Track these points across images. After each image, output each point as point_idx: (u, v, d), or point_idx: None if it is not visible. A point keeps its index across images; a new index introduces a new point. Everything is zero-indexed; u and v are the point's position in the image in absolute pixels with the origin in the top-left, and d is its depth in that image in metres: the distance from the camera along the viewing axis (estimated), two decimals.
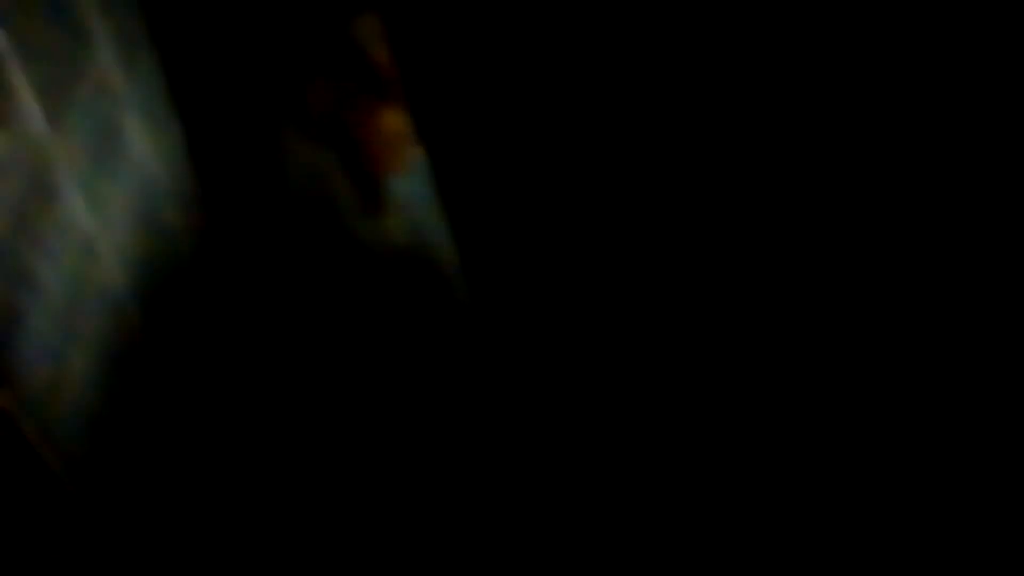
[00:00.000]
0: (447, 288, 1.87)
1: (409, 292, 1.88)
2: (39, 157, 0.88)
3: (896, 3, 1.72)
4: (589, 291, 1.98)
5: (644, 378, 2.00)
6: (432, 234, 1.88)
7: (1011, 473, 1.64)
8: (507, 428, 1.85)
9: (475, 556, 1.66)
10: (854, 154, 1.89)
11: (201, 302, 1.53)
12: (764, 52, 1.94)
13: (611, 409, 1.94)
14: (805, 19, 1.87)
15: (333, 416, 1.79)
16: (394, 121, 1.94)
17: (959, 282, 1.77)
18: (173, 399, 1.24)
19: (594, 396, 1.95)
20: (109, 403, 0.99)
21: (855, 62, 1.82)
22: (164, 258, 1.34)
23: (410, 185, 1.98)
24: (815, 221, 2.05)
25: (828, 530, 1.74)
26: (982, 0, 1.59)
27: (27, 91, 0.86)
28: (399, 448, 1.80)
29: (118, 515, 0.93)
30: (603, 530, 1.74)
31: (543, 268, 1.97)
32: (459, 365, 1.84)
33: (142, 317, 1.15)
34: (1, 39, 0.82)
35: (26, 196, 0.82)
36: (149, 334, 1.17)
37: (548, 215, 1.98)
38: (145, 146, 1.32)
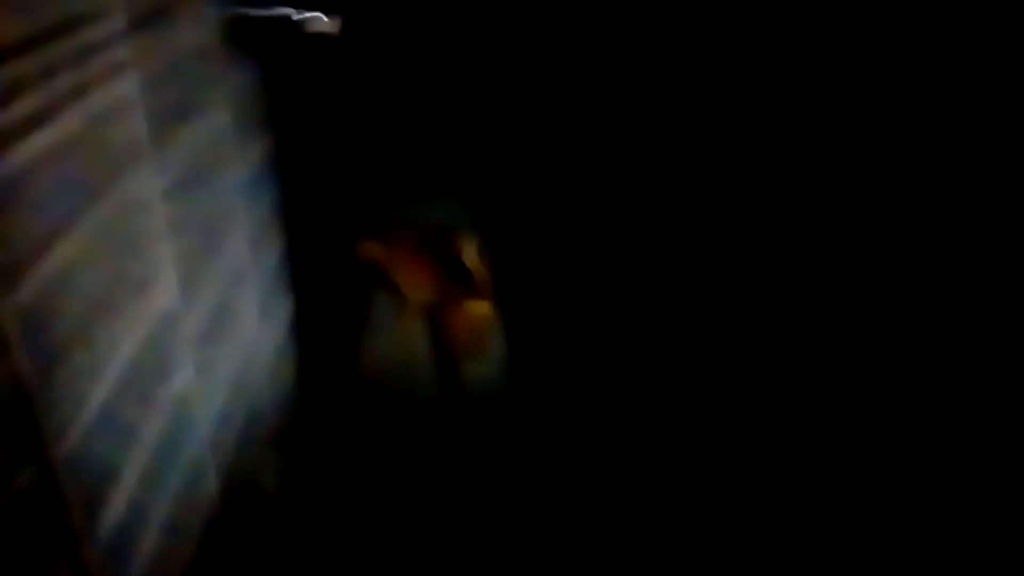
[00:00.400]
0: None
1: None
2: (167, 329, 1.04)
3: (896, 3, 1.76)
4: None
5: (646, 380, 2.07)
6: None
7: (1011, 473, 1.51)
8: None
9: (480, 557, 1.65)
10: (856, 155, 1.89)
11: (279, 443, 1.64)
12: (765, 53, 2.04)
13: (617, 412, 2.01)
14: (806, 19, 1.96)
15: None
16: (481, 313, 2.29)
17: (959, 282, 1.69)
18: (240, 560, 1.31)
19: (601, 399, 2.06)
20: (181, 557, 1.07)
21: (856, 62, 1.86)
22: (251, 420, 1.47)
23: (486, 367, 2.33)
24: (816, 222, 2.03)
25: (828, 530, 1.66)
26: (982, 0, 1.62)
27: (170, 270, 1.04)
28: None
29: None
30: (607, 531, 1.71)
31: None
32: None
33: (219, 476, 1.26)
34: (159, 223, 1.01)
35: (148, 364, 0.97)
36: (225, 494, 1.27)
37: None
38: (254, 318, 1.50)
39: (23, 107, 0.66)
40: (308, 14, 1.39)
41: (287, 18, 1.38)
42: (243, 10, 1.33)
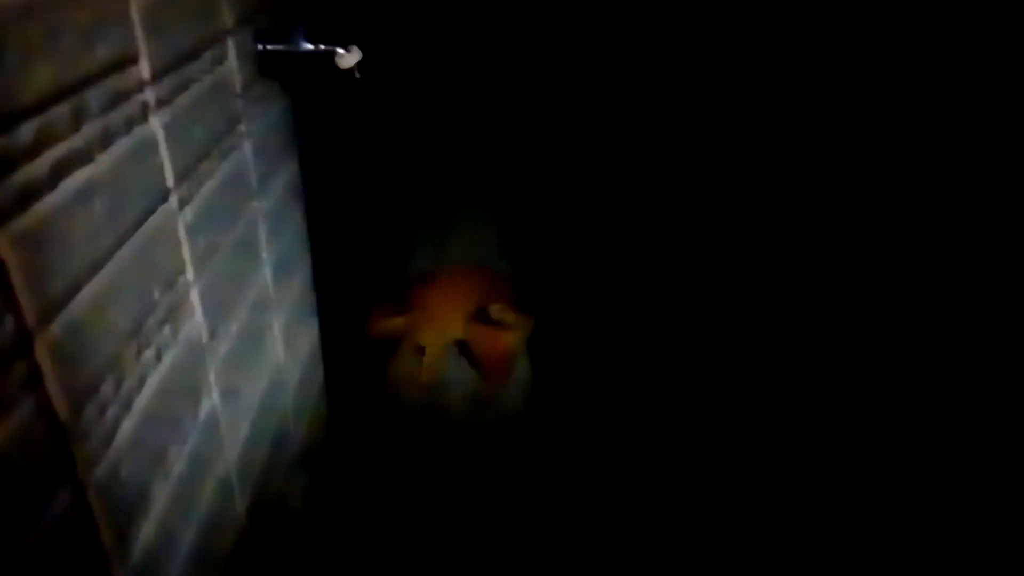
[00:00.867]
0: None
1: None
2: (194, 357, 1.08)
3: (896, 3, 1.75)
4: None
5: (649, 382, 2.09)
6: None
7: (1011, 473, 1.47)
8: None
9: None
10: (860, 157, 1.88)
11: (306, 466, 1.67)
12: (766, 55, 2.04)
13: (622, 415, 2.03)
14: (807, 20, 1.96)
15: None
16: (510, 346, 2.44)
17: (959, 282, 1.66)
18: (256, 573, 1.35)
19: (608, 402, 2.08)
20: (204, 575, 1.11)
21: (859, 64, 1.85)
22: (277, 443, 1.50)
23: (512, 391, 2.39)
24: (816, 223, 2.01)
25: (828, 530, 1.66)
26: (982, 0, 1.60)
27: (196, 300, 1.08)
28: None
29: None
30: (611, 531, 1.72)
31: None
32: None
33: (246, 499, 1.29)
34: (185, 256, 1.05)
35: (176, 391, 1.01)
36: (253, 517, 1.30)
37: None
38: (279, 343, 1.54)
39: (56, 152, 0.71)
40: (329, 48, 1.43)
41: (309, 53, 1.42)
42: (266, 47, 1.38)
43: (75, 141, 0.74)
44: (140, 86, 0.87)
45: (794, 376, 2.15)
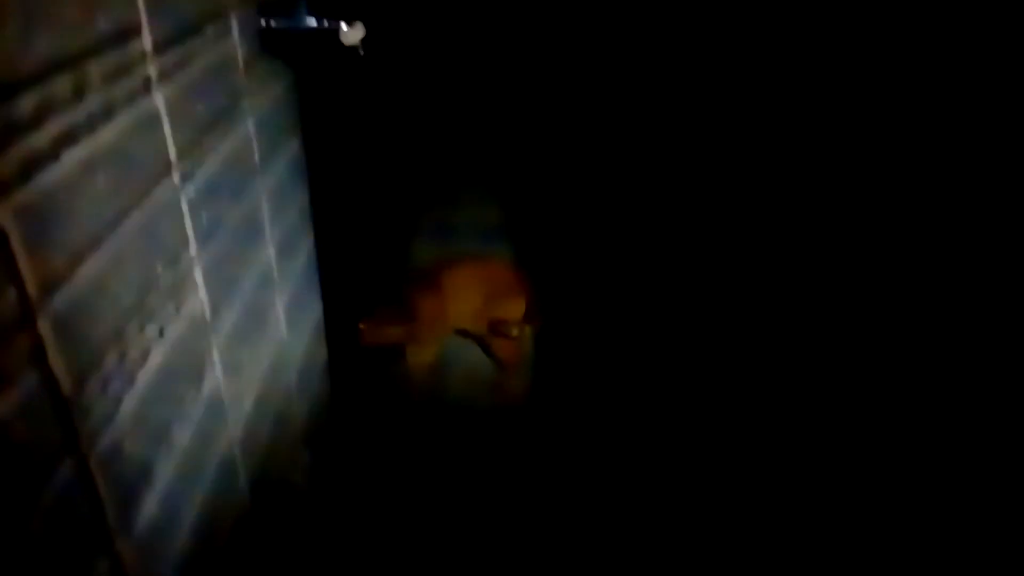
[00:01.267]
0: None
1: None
2: (197, 333, 1.07)
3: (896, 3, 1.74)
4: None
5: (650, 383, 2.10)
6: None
7: (1011, 473, 1.49)
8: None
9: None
10: (864, 159, 1.87)
11: (309, 443, 1.67)
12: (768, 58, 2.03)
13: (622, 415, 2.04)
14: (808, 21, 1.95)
15: None
16: (524, 345, 2.50)
17: (959, 282, 1.67)
18: (271, 557, 1.35)
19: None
20: (214, 554, 1.11)
21: (862, 65, 1.84)
22: (281, 420, 1.51)
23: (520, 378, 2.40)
24: (818, 224, 2.01)
25: (828, 530, 1.67)
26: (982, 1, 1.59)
27: (199, 276, 1.08)
28: None
29: None
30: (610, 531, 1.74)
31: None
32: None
33: (250, 475, 1.30)
34: (188, 231, 1.05)
35: (179, 367, 1.01)
36: (256, 493, 1.31)
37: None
38: (283, 321, 1.54)
39: (58, 124, 0.70)
40: (333, 24, 1.42)
41: (313, 29, 1.41)
42: (269, 22, 1.37)
43: (77, 113, 0.73)
44: (142, 59, 0.87)
45: (790, 357, 2.15)
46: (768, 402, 2.13)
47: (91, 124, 0.76)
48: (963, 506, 1.60)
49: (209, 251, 1.10)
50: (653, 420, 2.21)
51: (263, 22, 1.35)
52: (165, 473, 0.96)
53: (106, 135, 0.78)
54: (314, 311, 1.83)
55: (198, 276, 1.06)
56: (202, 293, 1.07)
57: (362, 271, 2.49)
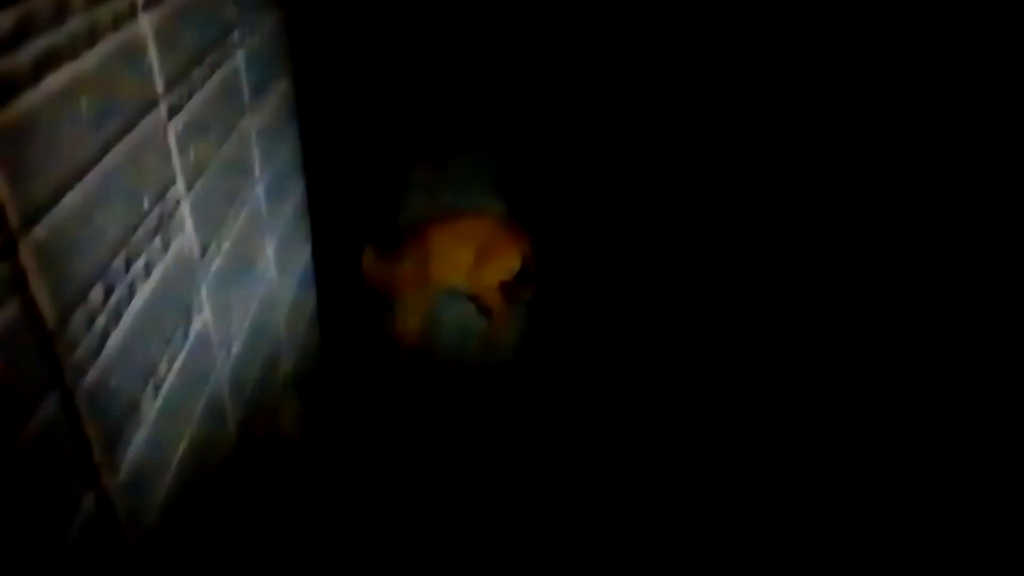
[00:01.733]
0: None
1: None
2: (184, 271, 1.06)
3: (896, 3, 1.73)
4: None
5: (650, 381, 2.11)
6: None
7: (1011, 473, 1.53)
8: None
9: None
10: (868, 161, 1.88)
11: (298, 388, 1.67)
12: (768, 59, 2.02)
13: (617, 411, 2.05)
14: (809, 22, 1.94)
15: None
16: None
17: (959, 282, 1.69)
18: (257, 499, 1.36)
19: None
20: (200, 493, 1.11)
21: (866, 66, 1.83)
22: (269, 364, 1.50)
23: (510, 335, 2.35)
24: (818, 225, 2.03)
25: (828, 530, 1.68)
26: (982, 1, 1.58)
27: (187, 213, 1.06)
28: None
29: None
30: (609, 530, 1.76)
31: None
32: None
33: (237, 418, 1.29)
34: (175, 166, 1.02)
35: (169, 308, 0.99)
36: (243, 435, 1.31)
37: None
38: (271, 265, 1.52)
39: (37, 46, 0.67)
40: None
41: None
42: None
43: (59, 35, 0.70)
44: None
45: (780, 322, 2.15)
46: (759, 361, 2.14)
47: (74, 47, 0.72)
48: (963, 506, 1.62)
49: (197, 189, 1.07)
50: (643, 376, 2.22)
51: None
52: (152, 411, 0.95)
53: (89, 60, 0.75)
54: (303, 257, 1.81)
55: (186, 214, 1.03)
56: (190, 231, 1.05)
57: (352, 222, 2.45)
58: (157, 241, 0.94)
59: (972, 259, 1.65)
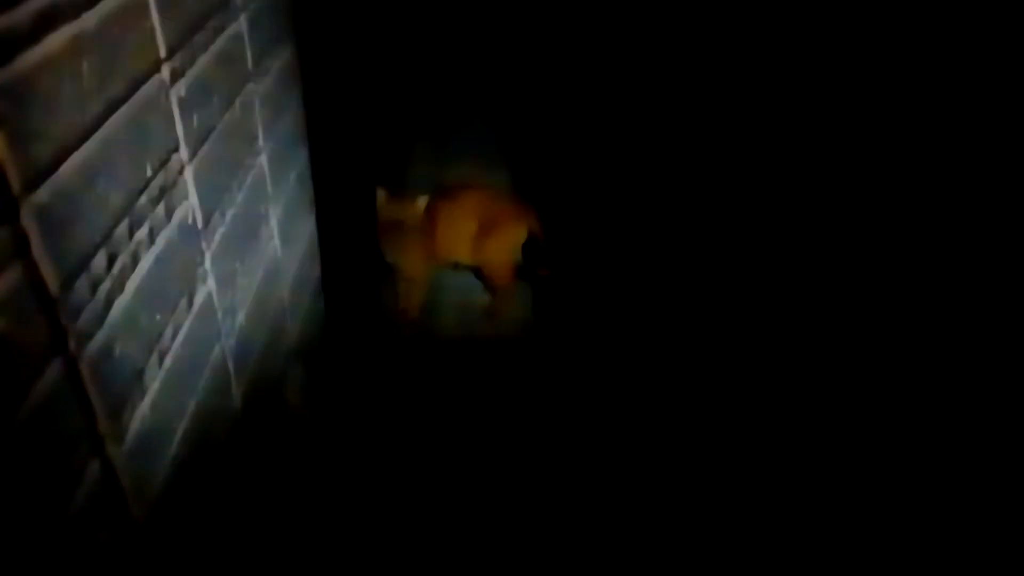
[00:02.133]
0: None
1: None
2: (188, 239, 1.04)
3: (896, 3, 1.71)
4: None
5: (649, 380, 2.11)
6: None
7: (1011, 473, 1.54)
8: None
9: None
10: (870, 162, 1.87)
11: (303, 359, 1.67)
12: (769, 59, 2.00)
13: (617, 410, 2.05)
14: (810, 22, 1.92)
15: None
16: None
17: (959, 282, 1.69)
18: (262, 470, 1.36)
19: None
20: (204, 463, 1.11)
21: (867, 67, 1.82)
22: (274, 335, 1.49)
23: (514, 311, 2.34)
24: (818, 225, 2.03)
25: (828, 530, 1.70)
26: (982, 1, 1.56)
27: (190, 180, 1.04)
28: None
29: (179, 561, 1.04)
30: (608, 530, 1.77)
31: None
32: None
33: (241, 388, 1.29)
34: (178, 132, 1.00)
35: (173, 276, 0.98)
36: (247, 405, 1.30)
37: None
38: (276, 234, 1.51)
39: (36, 3, 0.65)
40: None
41: None
42: None
43: None
44: None
45: (780, 304, 2.14)
46: (764, 351, 2.13)
47: (75, 6, 0.70)
48: (963, 506, 1.61)
49: (200, 156, 1.05)
50: (648, 353, 2.22)
51: None
52: (156, 381, 0.94)
53: (90, 20, 0.73)
54: (307, 227, 1.79)
55: (189, 181, 1.02)
56: (193, 199, 1.03)
57: (356, 194, 2.43)
58: (160, 208, 0.92)
59: (972, 259, 1.64)
